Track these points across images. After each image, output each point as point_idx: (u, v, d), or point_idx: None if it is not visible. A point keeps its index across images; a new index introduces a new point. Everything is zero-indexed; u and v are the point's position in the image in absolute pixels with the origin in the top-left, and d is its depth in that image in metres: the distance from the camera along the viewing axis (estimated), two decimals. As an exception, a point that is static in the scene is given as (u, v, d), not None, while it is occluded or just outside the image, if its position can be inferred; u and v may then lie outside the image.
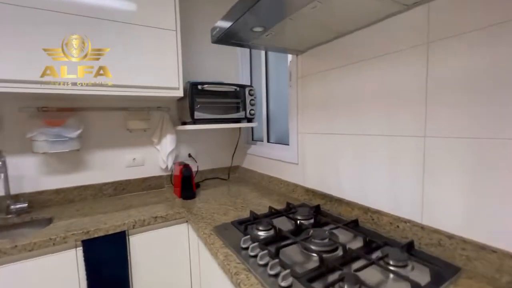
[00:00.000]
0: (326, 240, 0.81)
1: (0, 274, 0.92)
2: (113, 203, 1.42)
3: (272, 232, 0.91)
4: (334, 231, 0.90)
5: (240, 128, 1.91)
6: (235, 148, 1.93)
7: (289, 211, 1.11)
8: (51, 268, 1.00)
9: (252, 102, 1.64)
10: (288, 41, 1.11)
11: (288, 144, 1.46)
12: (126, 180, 1.61)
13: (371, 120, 0.95)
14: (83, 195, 1.49)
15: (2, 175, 1.23)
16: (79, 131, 1.36)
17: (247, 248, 0.79)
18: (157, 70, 1.35)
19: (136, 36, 1.29)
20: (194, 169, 1.79)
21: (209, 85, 1.52)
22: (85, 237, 1.04)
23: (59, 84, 1.14)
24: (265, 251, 0.74)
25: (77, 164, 1.48)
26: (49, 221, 1.18)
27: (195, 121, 1.50)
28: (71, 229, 1.04)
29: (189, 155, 1.82)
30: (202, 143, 1.86)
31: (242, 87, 1.63)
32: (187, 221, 1.25)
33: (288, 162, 1.43)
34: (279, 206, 1.16)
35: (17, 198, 1.30)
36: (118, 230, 1.11)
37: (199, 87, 1.48)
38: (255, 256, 0.73)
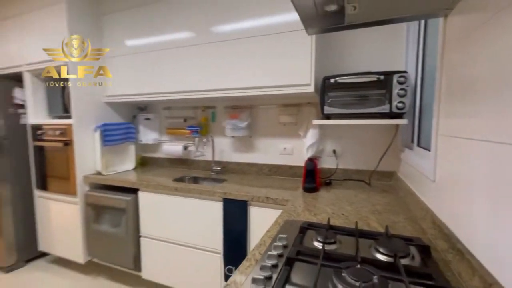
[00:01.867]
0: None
1: (186, 202, 1.62)
2: (262, 180, 1.81)
3: (321, 247, 0.78)
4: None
5: (397, 125, 1.53)
6: (386, 150, 1.58)
7: (381, 236, 0.82)
8: (208, 208, 1.57)
9: (401, 92, 1.26)
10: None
11: (430, 150, 1.00)
12: (278, 165, 1.94)
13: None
14: (250, 170, 2.03)
15: (211, 148, 2.05)
16: (246, 123, 1.88)
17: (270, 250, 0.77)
18: (289, 70, 1.50)
19: (273, 43, 1.52)
20: (331, 166, 1.75)
21: (343, 77, 1.40)
22: (224, 196, 1.50)
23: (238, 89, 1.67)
24: (274, 261, 0.69)
25: (249, 146, 2.03)
26: (223, 181, 1.81)
27: (326, 116, 1.47)
28: (223, 189, 1.55)
29: (334, 151, 1.78)
30: (348, 140, 1.73)
31: (389, 74, 1.31)
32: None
33: (425, 175, 0.99)
34: (400, 231, 0.89)
35: (217, 163, 2.09)
36: (242, 199, 1.46)
37: (332, 80, 1.42)
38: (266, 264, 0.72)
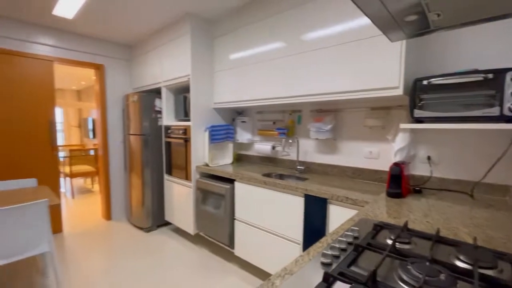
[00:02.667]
0: None
1: (272, 195, 1.86)
2: (344, 182, 1.86)
3: (391, 245, 0.83)
4: None
5: (516, 131, 1.29)
6: (498, 159, 1.34)
7: (465, 245, 0.80)
8: (291, 202, 1.75)
9: (517, 92, 1.09)
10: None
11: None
12: (362, 168, 1.93)
13: None
14: (333, 171, 2.10)
15: (296, 148, 2.23)
16: (330, 126, 1.96)
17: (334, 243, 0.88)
18: (375, 73, 1.50)
19: (358, 48, 1.56)
20: (424, 173, 1.62)
21: (439, 78, 1.30)
22: (305, 193, 1.65)
23: (323, 95, 1.81)
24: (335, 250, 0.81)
25: (333, 149, 2.10)
26: (306, 179, 1.96)
27: (416, 120, 1.40)
28: (305, 186, 1.71)
29: (428, 158, 1.63)
30: (447, 146, 1.56)
31: (501, 71, 1.14)
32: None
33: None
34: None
35: (301, 162, 2.25)
36: (322, 196, 1.57)
37: (424, 82, 1.35)
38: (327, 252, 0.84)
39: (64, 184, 5.19)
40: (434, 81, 1.32)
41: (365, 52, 1.55)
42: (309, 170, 2.23)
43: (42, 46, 2.80)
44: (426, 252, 0.77)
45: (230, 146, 2.72)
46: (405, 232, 0.89)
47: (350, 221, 1.07)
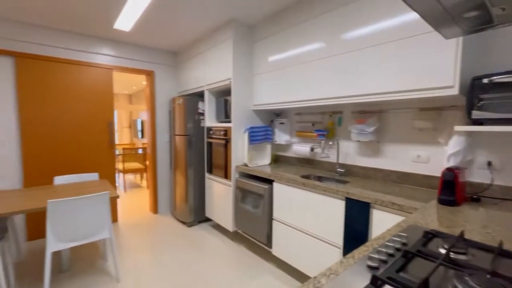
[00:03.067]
0: None
1: (311, 197, 1.85)
2: (388, 186, 1.77)
3: (444, 256, 0.79)
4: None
5: None
6: None
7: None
8: (331, 205, 1.73)
9: None
10: None
11: None
12: (409, 173, 1.82)
13: None
14: (375, 175, 2.01)
15: (336, 150, 2.18)
16: (373, 128, 1.89)
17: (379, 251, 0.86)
18: (426, 72, 1.41)
19: (407, 46, 1.48)
20: (483, 180, 1.48)
21: (502, 76, 1.18)
22: (347, 196, 1.62)
23: (367, 95, 1.76)
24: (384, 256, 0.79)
25: (376, 151, 2.02)
26: (346, 182, 1.91)
27: (473, 121, 1.29)
28: (346, 189, 1.67)
29: (488, 164, 1.48)
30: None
31: None
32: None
33: None
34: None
35: (341, 165, 2.20)
36: (365, 201, 1.52)
37: (485, 80, 1.23)
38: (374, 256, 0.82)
39: (118, 179, 5.77)
40: (497, 79, 1.20)
41: (414, 50, 1.47)
42: (349, 173, 2.17)
43: (103, 56, 3.17)
44: (486, 264, 0.72)
45: (268, 147, 2.76)
46: (461, 242, 0.83)
47: (397, 227, 1.03)
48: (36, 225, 2.85)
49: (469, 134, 1.49)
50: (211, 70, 2.89)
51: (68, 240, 1.85)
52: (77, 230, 1.88)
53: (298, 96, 2.20)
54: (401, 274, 0.69)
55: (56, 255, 2.47)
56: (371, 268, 0.72)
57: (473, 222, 1.09)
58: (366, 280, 0.66)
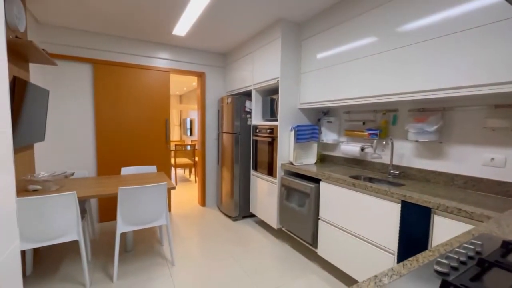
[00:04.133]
0: None
1: (362, 198, 1.77)
2: (452, 192, 1.61)
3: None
4: None
5: None
6: None
7: None
8: (383, 208, 1.64)
9: None
10: None
11: None
12: (479, 178, 1.62)
13: None
14: (437, 179, 1.84)
15: (390, 151, 2.05)
16: (435, 127, 1.73)
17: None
18: (505, 62, 1.24)
19: (474, 34, 1.32)
20: None
21: None
22: (403, 199, 1.52)
23: (428, 92, 1.63)
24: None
25: (437, 153, 1.84)
26: (401, 185, 1.79)
27: None
28: (402, 192, 1.57)
29: None
30: None
31: None
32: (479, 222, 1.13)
33: None
34: None
35: (395, 166, 2.06)
36: (425, 205, 1.41)
37: None
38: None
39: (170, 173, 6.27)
40: None
41: (489, 39, 1.30)
42: (404, 175, 2.02)
43: (162, 60, 3.49)
44: None
45: (315, 146, 2.72)
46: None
47: (467, 235, 0.94)
48: (106, 209, 3.28)
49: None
50: (259, 70, 2.96)
51: (134, 223, 2.10)
52: (141, 215, 2.12)
53: (348, 93, 2.13)
54: (476, 283, 0.64)
55: (122, 236, 2.81)
56: (439, 273, 0.68)
57: None
58: (433, 285, 0.63)
